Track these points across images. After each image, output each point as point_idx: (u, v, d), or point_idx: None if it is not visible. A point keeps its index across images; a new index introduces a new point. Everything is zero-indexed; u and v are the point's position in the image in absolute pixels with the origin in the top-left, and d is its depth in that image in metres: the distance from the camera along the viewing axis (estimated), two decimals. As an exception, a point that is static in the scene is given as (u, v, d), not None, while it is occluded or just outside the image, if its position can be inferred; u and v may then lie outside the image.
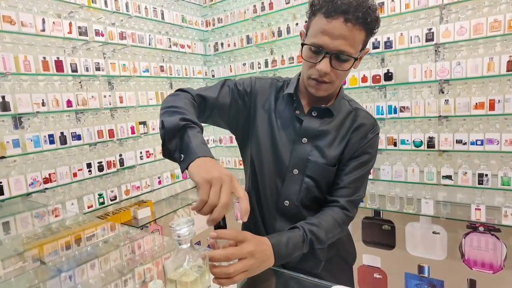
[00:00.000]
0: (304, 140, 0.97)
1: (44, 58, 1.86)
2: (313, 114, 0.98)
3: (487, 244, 2.15)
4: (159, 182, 2.58)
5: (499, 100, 1.84)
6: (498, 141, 1.87)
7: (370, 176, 2.32)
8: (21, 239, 1.43)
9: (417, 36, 2.04)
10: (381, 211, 2.52)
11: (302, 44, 0.90)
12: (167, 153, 0.80)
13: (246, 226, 1.08)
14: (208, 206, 0.66)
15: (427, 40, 2.02)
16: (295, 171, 0.98)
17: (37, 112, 1.84)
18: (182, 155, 0.74)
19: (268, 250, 0.78)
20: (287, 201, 0.99)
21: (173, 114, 0.80)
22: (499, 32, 1.81)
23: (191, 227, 0.70)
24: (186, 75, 2.85)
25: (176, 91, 0.94)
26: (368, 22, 0.83)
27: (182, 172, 0.74)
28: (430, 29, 2.00)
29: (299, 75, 1.02)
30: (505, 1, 1.85)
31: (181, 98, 0.88)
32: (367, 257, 2.65)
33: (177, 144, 0.77)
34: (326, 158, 0.96)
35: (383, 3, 2.12)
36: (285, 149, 0.98)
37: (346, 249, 1.12)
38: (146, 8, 2.45)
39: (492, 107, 1.86)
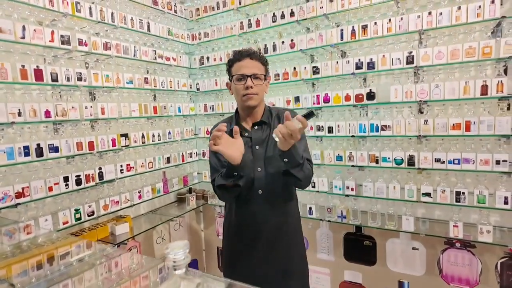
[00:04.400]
0: (257, 147, 1.45)
1: (23, 66, 1.78)
2: (256, 128, 1.47)
3: (464, 260, 2.22)
4: (139, 197, 2.49)
5: (474, 122, 1.94)
6: (473, 160, 1.96)
7: (353, 193, 2.37)
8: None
9: (398, 58, 2.13)
10: (362, 227, 2.56)
11: (228, 84, 1.50)
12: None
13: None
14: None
15: (407, 63, 2.11)
16: (259, 169, 1.43)
17: (13, 122, 1.74)
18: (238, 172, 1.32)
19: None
20: (260, 190, 1.43)
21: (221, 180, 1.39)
22: (473, 58, 1.92)
23: (187, 251, 0.68)
24: (171, 87, 2.81)
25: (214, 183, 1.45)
26: (262, 58, 1.45)
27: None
28: (411, 52, 2.09)
29: (236, 111, 1.54)
30: (479, 29, 1.98)
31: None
32: (349, 273, 2.66)
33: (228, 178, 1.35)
34: (275, 151, 1.38)
35: (366, 26, 2.20)
36: (248, 157, 1.40)
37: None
38: (132, 19, 2.42)
39: (468, 128, 1.96)
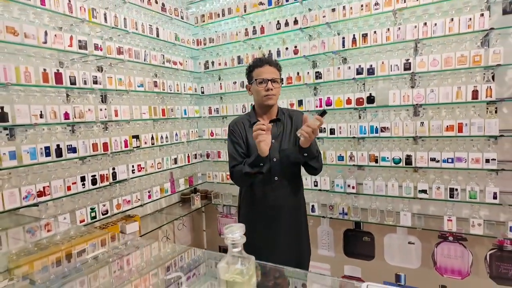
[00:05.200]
0: (272, 141, 1.64)
1: (44, 69, 1.85)
2: (272, 125, 1.64)
3: (456, 252, 2.39)
4: (149, 196, 2.57)
5: (466, 124, 2.11)
6: (465, 159, 2.13)
7: (353, 190, 2.51)
8: (8, 256, 1.36)
9: (396, 65, 2.29)
10: (361, 223, 2.71)
11: (248, 86, 1.72)
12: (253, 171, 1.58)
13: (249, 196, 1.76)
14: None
15: (404, 69, 2.27)
16: (274, 159, 1.64)
17: (35, 123, 1.81)
18: (260, 164, 1.55)
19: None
20: (276, 177, 1.65)
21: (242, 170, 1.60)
22: (465, 65, 2.10)
23: (243, 232, 0.79)
24: (178, 90, 2.91)
25: (233, 170, 1.67)
26: (278, 65, 1.69)
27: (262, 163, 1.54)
28: (408, 59, 2.26)
29: (253, 107, 1.75)
30: (469, 38, 2.16)
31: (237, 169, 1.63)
32: (348, 268, 2.80)
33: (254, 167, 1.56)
34: (289, 144, 1.66)
35: (366, 34, 2.36)
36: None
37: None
38: (142, 25, 2.51)
39: (460, 129, 2.13)
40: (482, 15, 2.02)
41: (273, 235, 1.67)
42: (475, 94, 2.08)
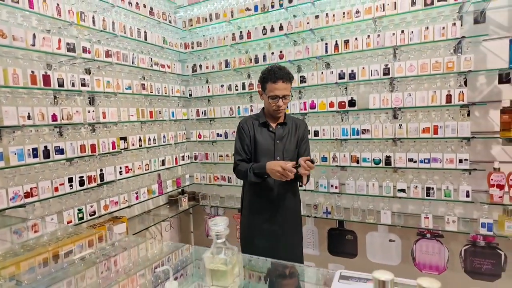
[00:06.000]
0: (278, 141, 1.84)
1: (33, 72, 1.88)
2: (279, 127, 1.86)
3: (434, 249, 2.51)
4: (137, 198, 2.60)
5: (441, 126, 2.24)
6: (441, 160, 2.25)
7: (336, 190, 2.61)
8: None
9: (376, 70, 2.40)
10: (344, 222, 2.80)
11: (260, 91, 1.86)
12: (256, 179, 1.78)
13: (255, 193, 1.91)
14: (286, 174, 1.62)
15: (384, 74, 2.39)
16: (278, 158, 1.82)
17: (23, 125, 1.82)
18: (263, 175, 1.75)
19: None
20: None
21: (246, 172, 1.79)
22: (439, 71, 2.23)
23: (226, 225, 0.86)
24: (165, 93, 2.95)
25: (237, 166, 1.86)
26: (291, 79, 1.78)
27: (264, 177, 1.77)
28: (387, 65, 2.37)
29: (263, 109, 1.91)
30: (443, 46, 2.29)
31: (243, 165, 1.83)
32: (332, 265, 2.89)
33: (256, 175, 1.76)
34: (291, 146, 1.85)
35: (348, 41, 2.47)
36: (270, 148, 1.83)
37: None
38: (130, 28, 2.55)
39: (436, 131, 2.25)
40: (454, 24, 2.15)
41: (273, 225, 1.83)
42: (449, 98, 2.21)
